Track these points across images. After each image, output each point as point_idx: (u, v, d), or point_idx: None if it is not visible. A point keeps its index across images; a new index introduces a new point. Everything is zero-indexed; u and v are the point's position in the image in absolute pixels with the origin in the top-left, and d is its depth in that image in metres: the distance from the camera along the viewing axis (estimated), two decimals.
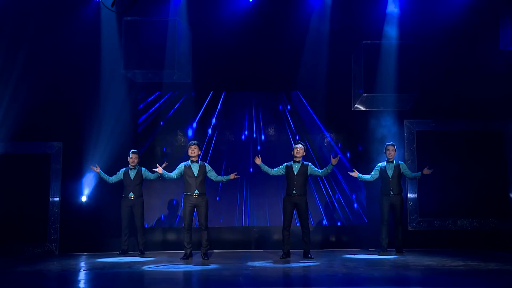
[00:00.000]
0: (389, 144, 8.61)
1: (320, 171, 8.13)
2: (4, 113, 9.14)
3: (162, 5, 9.30)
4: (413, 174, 8.64)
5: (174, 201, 9.61)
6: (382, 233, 8.52)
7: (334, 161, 7.94)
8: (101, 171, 8.68)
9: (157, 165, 8.01)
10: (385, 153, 8.58)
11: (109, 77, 9.41)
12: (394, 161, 8.56)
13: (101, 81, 9.44)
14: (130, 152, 8.70)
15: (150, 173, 8.70)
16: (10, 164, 9.36)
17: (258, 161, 8.10)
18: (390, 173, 8.49)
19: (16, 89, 9.18)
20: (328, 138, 9.85)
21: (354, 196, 9.70)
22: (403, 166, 8.59)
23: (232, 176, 8.03)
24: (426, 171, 8.38)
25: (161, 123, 9.79)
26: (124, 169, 8.76)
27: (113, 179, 8.76)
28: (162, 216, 9.68)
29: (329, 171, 8.10)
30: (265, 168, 8.16)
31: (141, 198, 8.72)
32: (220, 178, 8.13)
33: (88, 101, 9.49)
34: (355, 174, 8.50)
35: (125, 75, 9.15)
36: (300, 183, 7.96)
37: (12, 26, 9.22)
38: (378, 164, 8.66)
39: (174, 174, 8.03)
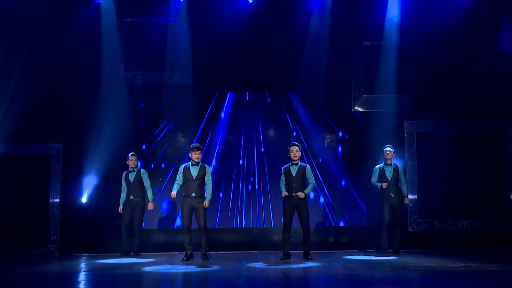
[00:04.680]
0: (387, 147, 8.63)
1: (308, 185, 7.95)
2: (4, 114, 9.14)
3: (162, 6, 9.28)
4: (404, 187, 8.56)
5: (174, 202, 9.58)
6: (382, 235, 8.52)
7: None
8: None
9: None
10: (383, 155, 8.61)
11: (109, 78, 9.40)
12: (393, 164, 8.58)
13: (101, 82, 9.42)
14: (130, 155, 8.69)
15: (148, 182, 8.69)
16: (11, 165, 9.36)
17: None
18: (389, 176, 8.50)
19: (16, 89, 9.17)
20: (328, 139, 9.84)
21: (354, 198, 9.69)
22: (401, 170, 8.60)
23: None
24: (406, 200, 8.52)
25: (161, 124, 9.77)
26: (124, 173, 8.76)
27: (124, 190, 8.71)
28: (162, 217, 9.67)
29: (310, 191, 8.03)
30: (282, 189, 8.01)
31: (142, 200, 8.68)
32: (208, 187, 7.94)
33: (88, 102, 9.47)
34: (385, 185, 8.48)
35: (125, 76, 9.14)
36: (298, 185, 7.90)
37: (12, 26, 9.21)
38: (376, 167, 8.68)
39: (179, 181, 7.92)
